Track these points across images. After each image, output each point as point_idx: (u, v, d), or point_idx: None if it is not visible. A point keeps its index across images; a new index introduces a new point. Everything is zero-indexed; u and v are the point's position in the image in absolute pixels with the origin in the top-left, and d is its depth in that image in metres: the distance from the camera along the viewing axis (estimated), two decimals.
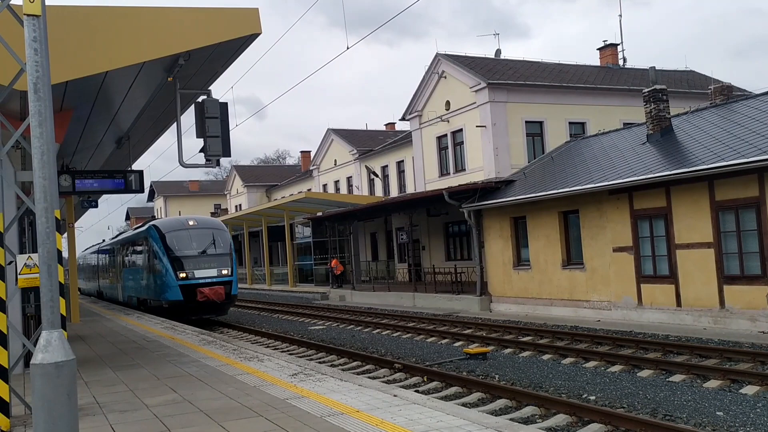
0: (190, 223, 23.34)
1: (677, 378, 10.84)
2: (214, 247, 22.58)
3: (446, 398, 10.13)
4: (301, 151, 63.76)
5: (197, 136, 11.48)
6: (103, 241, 47.93)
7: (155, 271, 22.46)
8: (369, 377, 8.85)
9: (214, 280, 21.72)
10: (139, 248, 25.38)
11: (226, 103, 11.58)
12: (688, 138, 18.35)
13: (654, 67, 21.36)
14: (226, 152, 11.54)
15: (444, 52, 31.15)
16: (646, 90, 20.33)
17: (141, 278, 24.73)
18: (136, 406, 7.45)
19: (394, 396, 7.21)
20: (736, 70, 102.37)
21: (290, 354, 14.48)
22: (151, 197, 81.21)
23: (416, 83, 32.77)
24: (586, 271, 19.25)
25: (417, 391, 10.57)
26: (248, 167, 71.47)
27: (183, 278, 21.28)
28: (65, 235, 23.53)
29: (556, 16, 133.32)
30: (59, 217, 6.28)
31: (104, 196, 25.38)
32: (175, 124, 12.52)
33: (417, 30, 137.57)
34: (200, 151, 11.57)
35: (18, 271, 6.51)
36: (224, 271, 22.13)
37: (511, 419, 8.62)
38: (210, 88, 12.24)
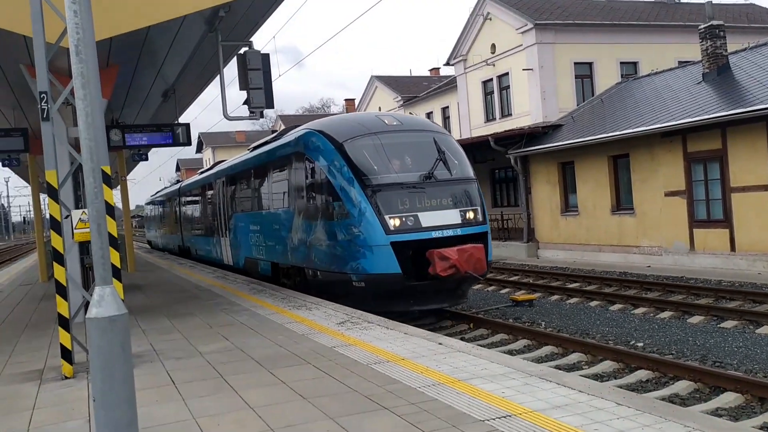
0: (389, 122, 12.30)
1: (729, 324, 10.64)
2: (446, 168, 11.64)
3: (491, 346, 10.22)
4: (345, 99, 63.40)
5: (240, 89, 11.55)
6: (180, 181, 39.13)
7: (327, 215, 11.69)
8: (415, 325, 8.95)
9: (460, 232, 11.16)
10: (278, 175, 14.14)
11: (267, 54, 11.58)
12: (747, 76, 17.49)
13: (710, 0, 20.24)
14: (270, 104, 11.61)
15: None
16: (702, 26, 19.35)
17: (286, 231, 13.57)
18: (190, 354, 7.75)
19: (440, 344, 7.30)
20: None
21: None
22: (199, 149, 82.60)
23: (461, 27, 31.94)
24: (636, 216, 18.85)
25: (462, 339, 10.69)
26: (293, 116, 71.70)
27: (397, 229, 10.83)
28: (118, 188, 24.21)
29: None
30: (109, 172, 6.45)
31: (154, 149, 25.83)
32: (218, 76, 12.59)
33: None
34: (244, 103, 11.66)
35: (74, 226, 6.75)
36: (471, 215, 11.42)
37: (556, 366, 8.66)
38: (251, 39, 12.22)
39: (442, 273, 10.44)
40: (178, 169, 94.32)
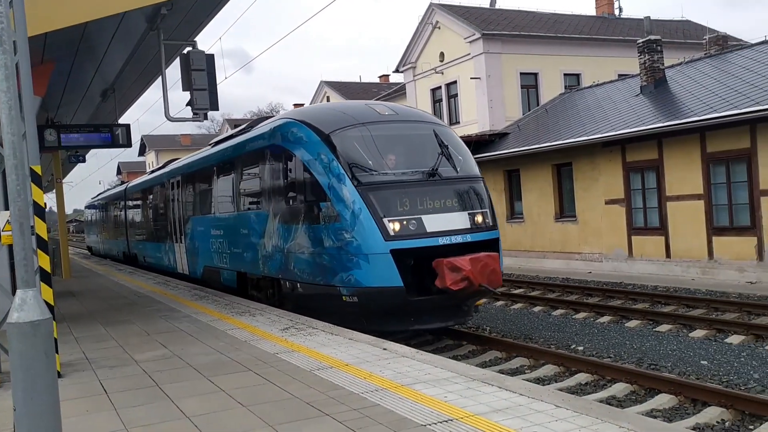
0: (381, 111, 10.66)
1: (664, 328, 10.96)
2: (450, 165, 10.19)
3: (437, 351, 10.23)
4: (294, 104, 62.97)
5: (183, 89, 11.29)
6: (121, 184, 36.26)
7: (311, 218, 9.99)
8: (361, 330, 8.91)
9: (470, 238, 9.64)
10: (249, 172, 12.28)
11: (212, 55, 11.35)
12: (682, 89, 18.16)
13: (649, 16, 20.97)
14: (214, 106, 11.38)
15: (438, 2, 30.48)
16: (641, 41, 20.01)
17: (257, 236, 11.68)
18: (125, 362, 7.47)
19: (384, 349, 7.25)
20: (731, 19, 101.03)
21: None
22: (142, 152, 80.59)
23: (409, 35, 32.20)
24: (578, 224, 19.30)
25: (407, 345, 10.67)
26: (241, 120, 70.68)
27: (398, 234, 9.23)
28: (53, 191, 23.33)
29: None
30: (39, 172, 6.16)
31: (93, 151, 24.98)
32: (160, 76, 12.26)
33: None
34: (187, 104, 11.39)
35: (1, 228, 6.42)
36: (480, 218, 9.95)
37: (499, 371, 8.73)
38: (195, 39, 11.97)
39: (453, 286, 8.82)
40: (119, 172, 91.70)
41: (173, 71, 12.49)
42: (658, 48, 19.77)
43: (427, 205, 9.47)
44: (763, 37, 19.46)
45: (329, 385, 5.86)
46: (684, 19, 36.29)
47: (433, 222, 9.38)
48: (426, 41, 31.17)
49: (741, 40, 28.81)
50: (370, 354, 7.03)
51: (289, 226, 10.47)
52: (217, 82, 11.49)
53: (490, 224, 10.03)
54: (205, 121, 12.72)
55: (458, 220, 9.61)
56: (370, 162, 9.68)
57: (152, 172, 22.97)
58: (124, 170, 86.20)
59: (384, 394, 5.45)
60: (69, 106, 16.51)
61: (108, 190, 37.37)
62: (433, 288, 9.18)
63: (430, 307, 9.50)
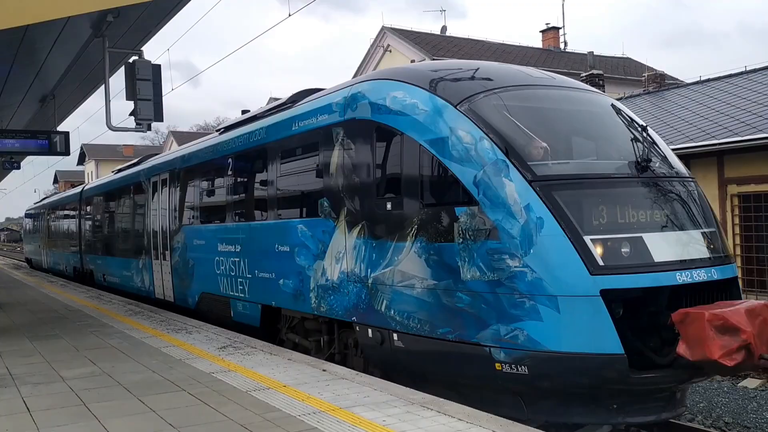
0: (531, 72, 7.62)
1: None
2: (658, 157, 6.87)
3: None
4: (112, 171, 62.00)
5: (127, 99, 11.00)
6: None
7: (434, 231, 6.43)
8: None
9: (717, 275, 6.13)
10: (298, 163, 9.04)
11: (158, 65, 11.11)
12: None
13: (592, 52, 21.79)
14: (158, 117, 11.11)
15: (390, 26, 30.87)
16: (584, 74, 20.71)
17: (310, 255, 8.38)
18: (51, 379, 7.12)
19: (323, 371, 7.14)
20: (668, 58, 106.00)
21: None
22: (81, 161, 78.11)
23: (357, 58, 32.45)
24: None
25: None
26: (186, 133, 69.50)
27: (610, 265, 5.67)
28: None
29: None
30: None
31: (29, 158, 23.98)
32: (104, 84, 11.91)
33: (353, 5, 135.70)
34: (130, 114, 11.10)
35: None
36: (712, 241, 6.42)
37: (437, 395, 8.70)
38: (142, 48, 11.70)
39: (725, 359, 5.30)
40: (56, 181, 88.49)
41: (118, 80, 12.17)
42: (600, 82, 20.52)
43: (647, 218, 6.03)
44: (698, 77, 20.43)
45: (265, 407, 5.72)
46: (625, 56, 37.84)
47: (660, 245, 5.90)
48: (377, 64, 31.45)
49: (677, 78, 30.19)
50: (308, 375, 6.91)
51: (383, 244, 6.95)
52: (163, 93, 11.24)
53: (727, 251, 6.58)
54: (148, 132, 12.38)
55: (693, 243, 6.17)
56: (542, 145, 6.17)
57: (121, 170, 18.77)
58: (61, 179, 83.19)
59: (322, 417, 5.35)
60: (5, 110, 15.84)
61: (55, 194, 34.36)
62: (661, 356, 5.72)
63: (650, 389, 5.88)
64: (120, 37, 10.85)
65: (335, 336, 8.24)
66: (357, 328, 7.50)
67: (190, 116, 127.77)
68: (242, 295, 10.08)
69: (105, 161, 70.81)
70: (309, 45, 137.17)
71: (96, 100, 17.00)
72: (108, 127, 11.41)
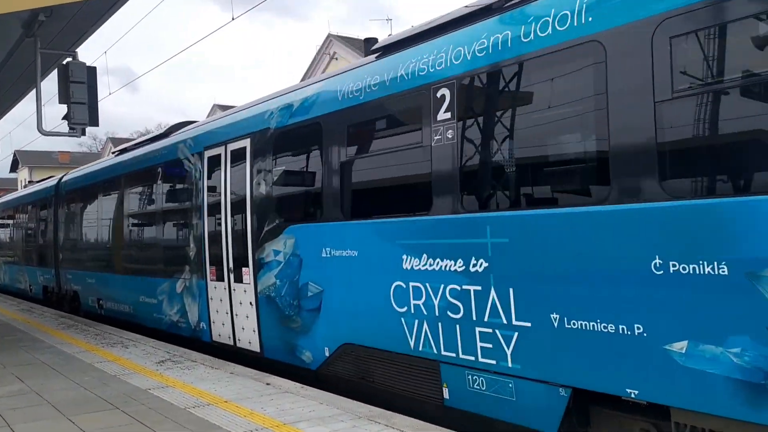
0: None
1: None
2: None
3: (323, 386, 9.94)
4: (176, 124, 60.83)
5: (60, 102, 10.50)
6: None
7: None
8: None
9: None
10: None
11: (94, 67, 10.66)
12: None
13: None
14: (93, 121, 10.64)
15: (336, 34, 30.81)
16: None
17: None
18: None
19: (267, 384, 6.91)
20: None
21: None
22: (14, 168, 74.91)
23: (303, 65, 32.24)
24: None
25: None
26: (125, 139, 67.57)
27: None
28: None
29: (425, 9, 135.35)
30: None
31: None
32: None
33: (297, 13, 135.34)
34: (63, 118, 10.61)
35: None
36: None
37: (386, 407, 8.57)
38: (76, 50, 11.21)
39: None
40: None
41: (51, 83, 11.62)
42: None
43: None
44: None
45: (205, 424, 5.46)
46: None
47: None
48: (323, 70, 31.29)
49: None
50: (252, 389, 6.67)
51: None
52: (100, 97, 10.79)
53: None
54: (85, 138, 11.90)
55: None
56: None
57: (126, 150, 13.32)
58: None
59: None
60: None
61: (14, 192, 26.02)
62: None
63: None
64: (53, 38, 10.36)
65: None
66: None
67: (131, 122, 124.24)
68: (498, 363, 5.26)
69: (39, 168, 68.08)
70: (252, 52, 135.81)
71: (28, 104, 16.25)
72: (39, 131, 10.88)
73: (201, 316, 9.48)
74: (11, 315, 14.48)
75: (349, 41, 30.00)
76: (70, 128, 10.37)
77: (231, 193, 8.84)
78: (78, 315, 14.53)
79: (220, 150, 9.20)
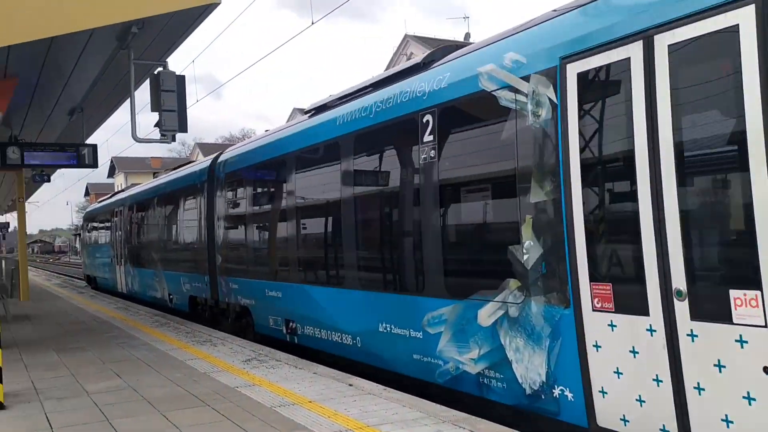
0: None
1: None
2: None
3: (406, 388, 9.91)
4: (266, 131, 62.65)
5: (152, 110, 10.99)
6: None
7: None
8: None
9: None
10: None
11: (183, 76, 11.10)
12: None
13: None
14: (183, 128, 11.07)
15: (413, 34, 30.80)
16: None
17: None
18: (76, 393, 7.04)
19: (350, 385, 6.95)
20: None
21: None
22: (111, 173, 79.44)
23: (380, 67, 32.37)
24: None
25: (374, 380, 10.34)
26: (212, 145, 70.22)
27: None
28: (15, 212, 22.61)
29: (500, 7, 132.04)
30: None
31: (60, 171, 24.28)
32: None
33: (372, 16, 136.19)
34: (155, 125, 11.09)
35: None
36: None
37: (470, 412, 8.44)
38: (167, 60, 11.70)
39: None
40: (87, 193, 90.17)
41: (143, 93, 12.18)
42: None
43: None
44: None
45: (291, 424, 5.54)
46: None
47: None
48: None
49: None
50: (334, 390, 6.72)
51: None
52: (188, 105, 11.22)
53: None
54: (173, 143, 12.36)
55: None
56: None
57: (317, 111, 9.56)
58: (92, 192, 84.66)
59: None
60: (35, 124, 16.00)
61: (134, 186, 21.96)
62: None
63: None
64: (145, 49, 10.85)
65: None
66: None
67: (215, 128, 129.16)
68: None
69: (134, 174, 71.85)
70: (328, 55, 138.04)
71: (123, 113, 17.05)
72: (134, 138, 11.42)
73: (556, 375, 5.32)
74: (108, 312, 15.28)
75: (426, 41, 29.91)
76: (162, 135, 10.83)
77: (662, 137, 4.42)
78: (247, 337, 10.80)
79: (625, 53, 4.69)
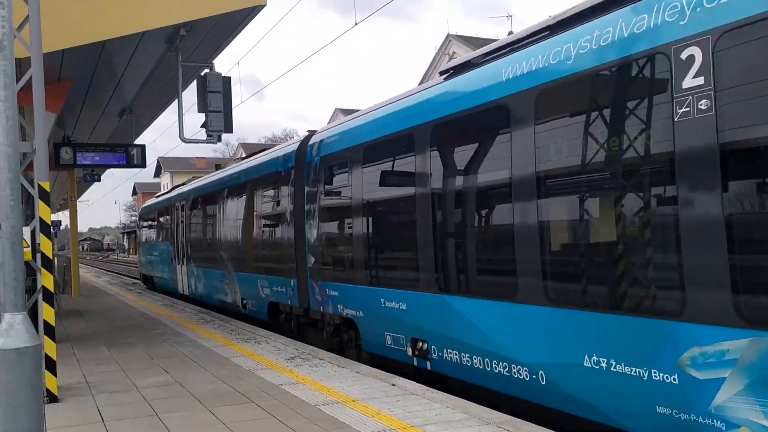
0: None
1: None
2: None
3: (448, 389, 9.86)
4: (309, 131, 63.10)
5: (199, 111, 11.21)
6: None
7: None
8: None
9: None
10: None
11: (228, 77, 11.29)
12: None
13: None
14: (228, 128, 11.26)
15: (455, 33, 30.65)
16: None
17: None
18: (126, 387, 7.22)
19: (393, 385, 6.94)
20: None
21: None
22: (158, 173, 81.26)
23: (426, 62, 32.30)
24: None
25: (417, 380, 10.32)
26: (255, 144, 71.17)
27: None
28: (67, 210, 23.34)
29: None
30: (47, 189, 6.03)
31: (109, 170, 24.93)
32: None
33: (414, 16, 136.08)
34: (202, 126, 11.30)
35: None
36: None
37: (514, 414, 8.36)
38: (213, 62, 11.91)
39: None
40: (134, 192, 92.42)
41: (189, 93, 12.43)
42: None
43: None
44: None
45: (334, 422, 5.57)
46: None
47: None
48: None
49: None
50: (378, 389, 6.73)
51: None
52: (233, 105, 11.40)
53: None
54: (219, 143, 12.57)
55: None
56: None
57: (458, 70, 7.46)
58: (139, 191, 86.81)
59: None
60: (86, 124, 16.50)
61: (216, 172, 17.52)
62: None
63: None
64: (192, 51, 11.07)
65: None
66: None
67: (258, 129, 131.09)
68: None
69: (180, 173, 73.35)
70: (371, 56, 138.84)
71: (169, 114, 17.38)
72: (181, 138, 11.67)
73: None
74: (155, 309, 15.63)
75: (468, 40, 29.74)
76: (208, 135, 11.04)
77: None
78: (347, 355, 9.09)
79: None
